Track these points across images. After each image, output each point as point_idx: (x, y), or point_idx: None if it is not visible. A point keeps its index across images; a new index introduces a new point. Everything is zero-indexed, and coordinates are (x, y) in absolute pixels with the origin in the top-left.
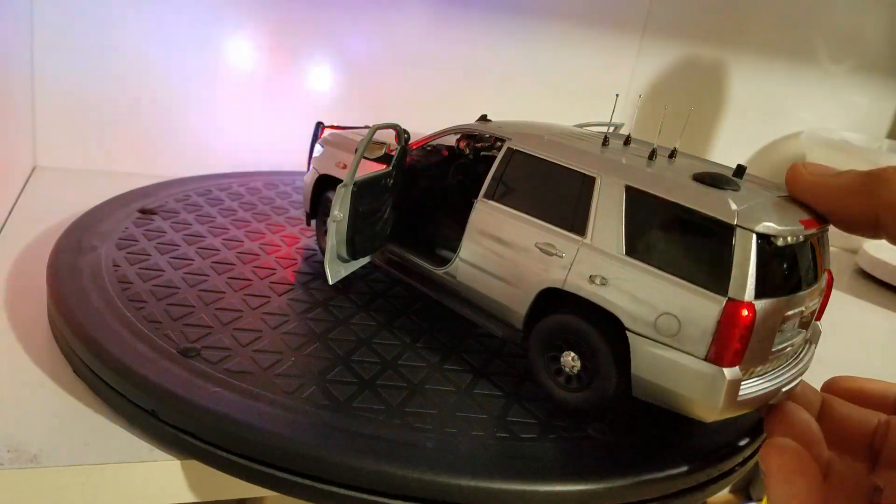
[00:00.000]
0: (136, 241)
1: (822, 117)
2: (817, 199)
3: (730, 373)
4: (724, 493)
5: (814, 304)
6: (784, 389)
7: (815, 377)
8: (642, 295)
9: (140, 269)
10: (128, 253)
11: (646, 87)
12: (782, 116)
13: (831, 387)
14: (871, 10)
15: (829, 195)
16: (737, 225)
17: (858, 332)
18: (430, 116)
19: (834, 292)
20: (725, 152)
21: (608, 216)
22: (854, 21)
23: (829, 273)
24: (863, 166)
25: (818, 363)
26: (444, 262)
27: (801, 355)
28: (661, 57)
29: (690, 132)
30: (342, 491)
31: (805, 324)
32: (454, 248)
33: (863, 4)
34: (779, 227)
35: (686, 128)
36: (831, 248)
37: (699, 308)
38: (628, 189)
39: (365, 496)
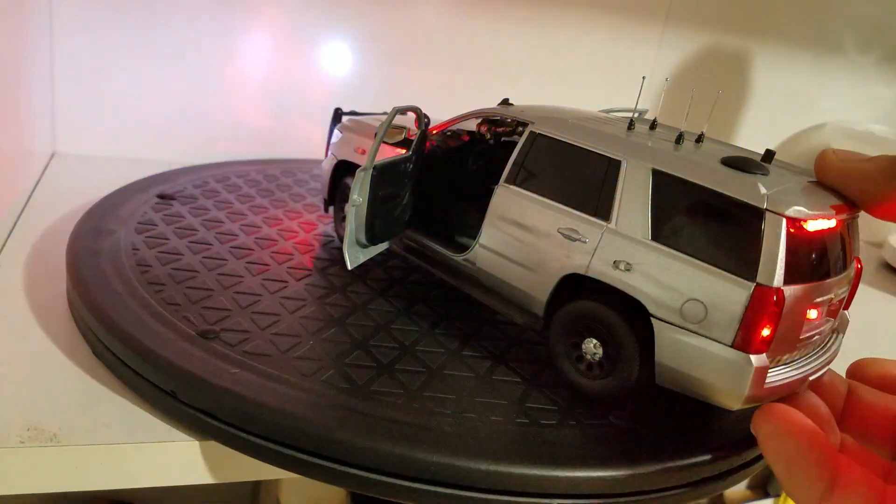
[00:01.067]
0: (155, 225)
1: (847, 108)
2: (848, 185)
3: (757, 360)
4: (742, 489)
5: (842, 291)
6: (811, 378)
7: (839, 370)
8: (668, 280)
9: (159, 252)
10: (147, 237)
11: (668, 76)
12: (807, 107)
13: (857, 371)
14: None
15: (860, 180)
16: (766, 209)
17: (883, 326)
18: (449, 103)
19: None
20: (749, 142)
21: (634, 200)
22: (881, 11)
23: (859, 261)
24: None
25: (842, 356)
26: (464, 248)
27: (829, 344)
28: (683, 45)
29: (714, 121)
30: (360, 473)
31: (833, 312)
32: (474, 235)
33: None
34: (809, 212)
35: (705, 117)
36: None
37: (727, 294)
38: (655, 173)
39: (383, 478)
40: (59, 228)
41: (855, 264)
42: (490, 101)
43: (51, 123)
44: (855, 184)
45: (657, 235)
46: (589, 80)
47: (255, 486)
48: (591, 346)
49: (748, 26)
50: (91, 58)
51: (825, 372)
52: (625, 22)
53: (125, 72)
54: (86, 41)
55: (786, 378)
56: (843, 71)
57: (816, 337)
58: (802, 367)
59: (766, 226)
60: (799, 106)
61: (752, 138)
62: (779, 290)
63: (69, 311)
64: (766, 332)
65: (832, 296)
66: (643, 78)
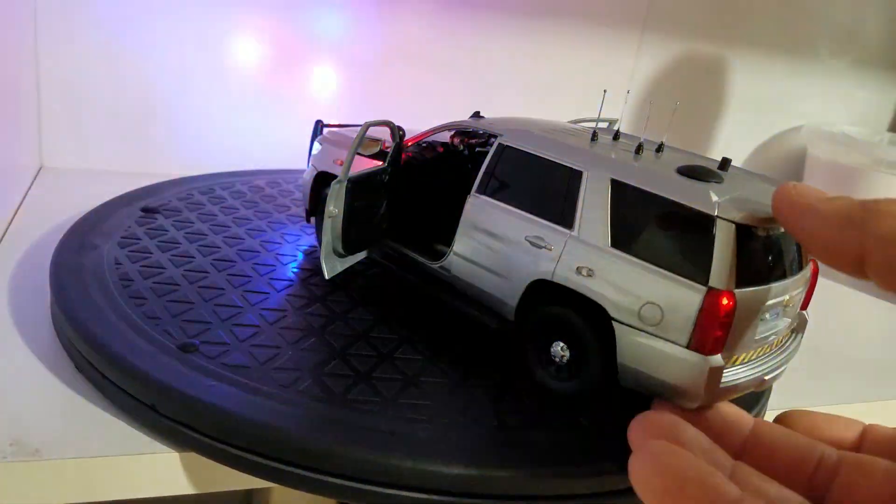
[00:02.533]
0: (139, 239)
1: (823, 111)
2: (801, 225)
3: (712, 360)
4: None
5: (798, 293)
6: (768, 377)
7: (813, 368)
8: (627, 285)
9: (141, 266)
10: (130, 251)
11: (647, 82)
12: (783, 111)
13: (782, 421)
14: (871, 5)
15: (814, 222)
16: (717, 216)
17: (849, 323)
18: (429, 113)
19: (833, 283)
20: (727, 146)
21: (594, 209)
22: (854, 15)
23: (815, 262)
24: (863, 160)
25: (815, 354)
26: (439, 256)
27: (787, 344)
28: (661, 53)
29: (692, 127)
30: (337, 481)
31: (790, 312)
32: (448, 243)
33: None
34: (759, 218)
35: (685, 125)
36: None
37: (681, 297)
38: (614, 182)
39: (360, 485)
40: (45, 243)
41: (811, 265)
42: (469, 112)
43: (37, 137)
44: (809, 225)
45: (616, 242)
46: (567, 88)
47: (247, 493)
48: (559, 349)
49: (725, 32)
50: (76, 71)
51: (783, 370)
52: (603, 30)
53: (111, 85)
54: (71, 54)
55: (743, 377)
56: (818, 74)
57: (773, 337)
58: (759, 366)
59: (718, 232)
60: (776, 109)
61: (730, 142)
62: (730, 294)
63: (52, 326)
64: (719, 333)
65: (787, 297)
66: (604, 91)
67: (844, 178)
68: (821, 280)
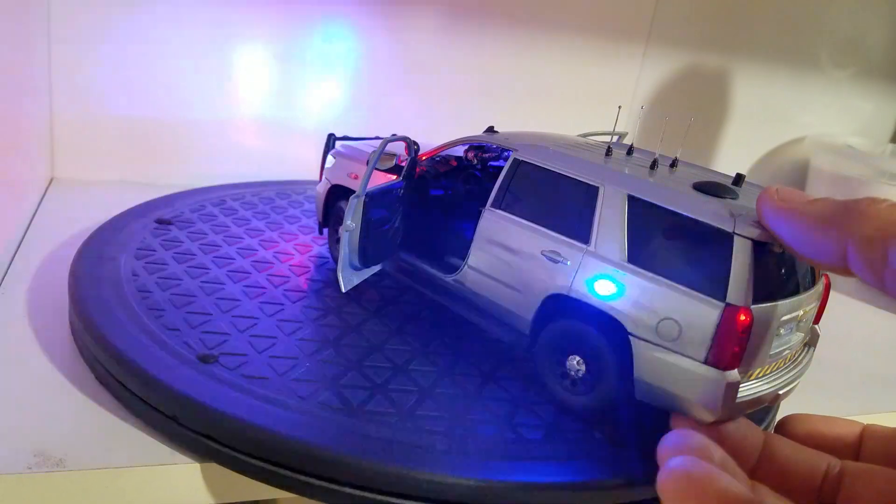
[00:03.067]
0: (154, 250)
1: (825, 122)
2: (785, 228)
3: (729, 375)
4: None
5: (811, 307)
6: (782, 391)
7: (817, 380)
8: (644, 300)
9: (159, 278)
10: (146, 262)
11: (651, 95)
12: (786, 122)
13: (783, 427)
14: (874, 16)
15: (798, 225)
16: (734, 233)
17: (861, 336)
18: (439, 127)
19: (837, 296)
20: (730, 158)
21: (611, 224)
22: (857, 27)
23: (827, 277)
24: (866, 171)
25: (818, 366)
26: (453, 269)
27: (800, 358)
28: (665, 65)
29: (696, 138)
30: (355, 492)
31: (803, 327)
32: (463, 256)
33: (865, 10)
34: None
35: (688, 136)
36: None
37: (699, 313)
38: (630, 198)
39: (377, 496)
40: (60, 255)
41: (823, 280)
42: (479, 125)
43: (49, 148)
44: (793, 227)
45: (633, 257)
46: (574, 101)
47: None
48: (575, 363)
49: (727, 44)
50: (88, 82)
51: (796, 385)
52: (608, 43)
53: (121, 96)
54: (83, 65)
55: (758, 392)
56: (820, 86)
57: (787, 352)
58: (774, 381)
59: (735, 248)
60: (778, 121)
61: (733, 153)
62: (747, 310)
63: (72, 338)
64: (736, 348)
65: (801, 312)
66: (619, 107)
67: (847, 189)
68: (833, 294)
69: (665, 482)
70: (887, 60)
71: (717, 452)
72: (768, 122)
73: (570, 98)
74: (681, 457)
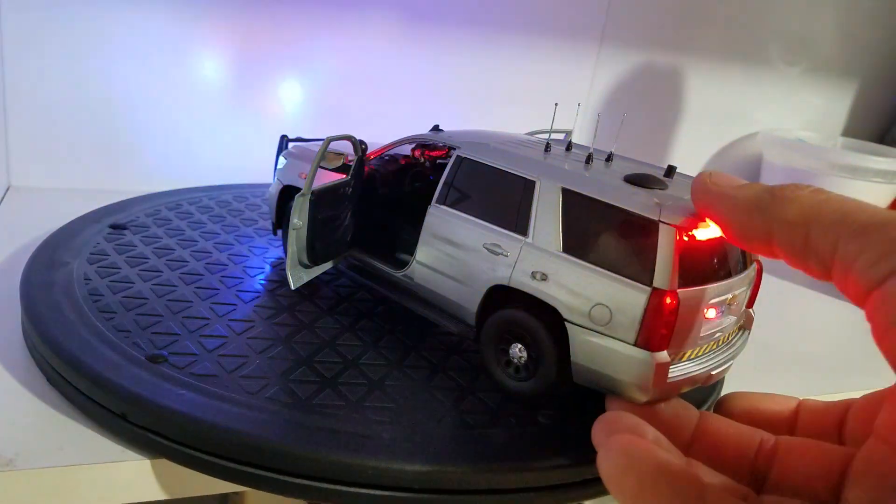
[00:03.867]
0: (107, 255)
1: (778, 118)
2: (715, 211)
3: (658, 356)
4: None
5: (743, 291)
6: (715, 372)
7: (761, 363)
8: (578, 288)
9: (110, 281)
10: (99, 267)
11: (606, 93)
12: (739, 118)
13: (722, 406)
14: (822, 13)
15: (727, 208)
16: (660, 220)
17: (795, 318)
18: (393, 127)
19: (781, 281)
20: (686, 154)
21: (547, 217)
22: (806, 24)
23: (759, 262)
24: (818, 164)
25: (764, 349)
26: (403, 265)
27: (734, 340)
28: (619, 64)
29: (651, 136)
30: (303, 482)
31: (735, 310)
32: (411, 252)
33: (814, 7)
34: (700, 221)
35: (642, 132)
36: None
37: (628, 298)
38: (564, 191)
39: (325, 485)
40: (14, 261)
41: (756, 265)
42: (430, 125)
43: (5, 156)
44: (722, 210)
45: (567, 247)
46: (527, 100)
47: (223, 496)
48: (517, 351)
49: (681, 43)
50: (42, 89)
51: (729, 366)
52: (561, 43)
53: (77, 102)
54: (36, 72)
55: (689, 373)
56: (772, 82)
57: (719, 334)
58: (706, 362)
59: (660, 236)
60: (732, 117)
61: (689, 150)
62: (673, 293)
63: (24, 342)
64: (664, 330)
65: (730, 295)
66: (555, 104)
67: (800, 182)
68: (768, 278)
69: (604, 462)
70: (837, 56)
71: (650, 431)
72: (722, 118)
73: (524, 98)
74: (616, 435)
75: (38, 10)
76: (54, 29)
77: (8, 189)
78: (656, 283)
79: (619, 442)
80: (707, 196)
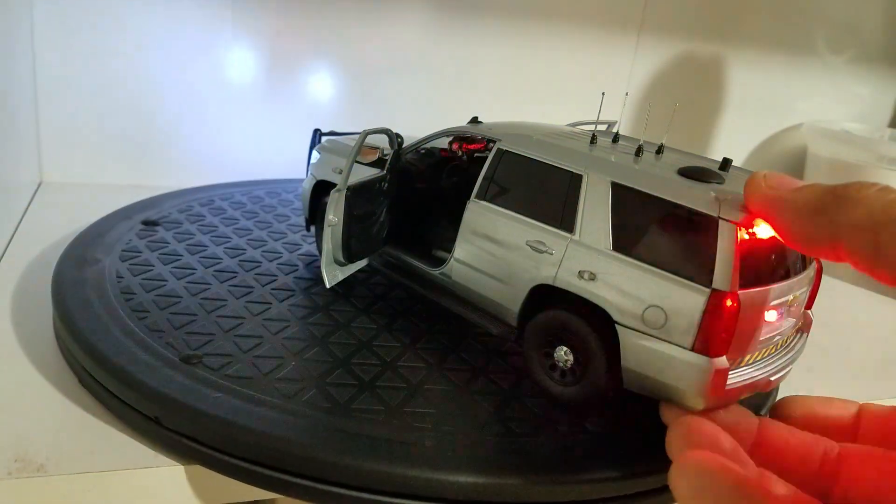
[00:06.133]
0: (140, 252)
1: (822, 109)
2: (773, 216)
3: (717, 362)
4: None
5: (802, 292)
6: (774, 378)
7: (818, 367)
8: (629, 288)
9: (143, 279)
10: (131, 264)
11: (644, 83)
12: (783, 109)
13: (779, 410)
14: (869, 1)
15: (787, 213)
16: (720, 217)
17: (856, 321)
18: (428, 119)
19: (838, 282)
20: (727, 146)
21: (595, 212)
22: (852, 11)
23: (818, 261)
24: (865, 156)
25: (820, 353)
26: (440, 262)
27: (792, 344)
28: (658, 53)
29: (691, 127)
30: (342, 491)
31: (794, 312)
32: (449, 249)
33: None
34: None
35: (684, 125)
36: None
37: (685, 300)
38: (614, 185)
39: (364, 495)
40: (46, 258)
41: (815, 264)
42: (467, 117)
43: (37, 153)
44: (781, 216)
45: (618, 245)
46: (565, 91)
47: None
48: (563, 354)
49: (722, 31)
50: (75, 85)
51: (788, 371)
52: (599, 33)
53: (109, 98)
54: (69, 68)
55: (748, 379)
56: (817, 72)
57: (778, 337)
58: (765, 367)
59: (720, 233)
60: (775, 108)
61: (730, 142)
62: (734, 295)
63: (55, 341)
64: (723, 335)
65: (791, 297)
66: (602, 94)
67: (846, 175)
68: (826, 279)
69: (679, 479)
70: (884, 45)
71: (727, 441)
72: (765, 109)
73: (561, 89)
74: (693, 451)
75: (69, 6)
76: (86, 24)
77: (40, 185)
78: (716, 284)
79: (697, 459)
80: (763, 200)
